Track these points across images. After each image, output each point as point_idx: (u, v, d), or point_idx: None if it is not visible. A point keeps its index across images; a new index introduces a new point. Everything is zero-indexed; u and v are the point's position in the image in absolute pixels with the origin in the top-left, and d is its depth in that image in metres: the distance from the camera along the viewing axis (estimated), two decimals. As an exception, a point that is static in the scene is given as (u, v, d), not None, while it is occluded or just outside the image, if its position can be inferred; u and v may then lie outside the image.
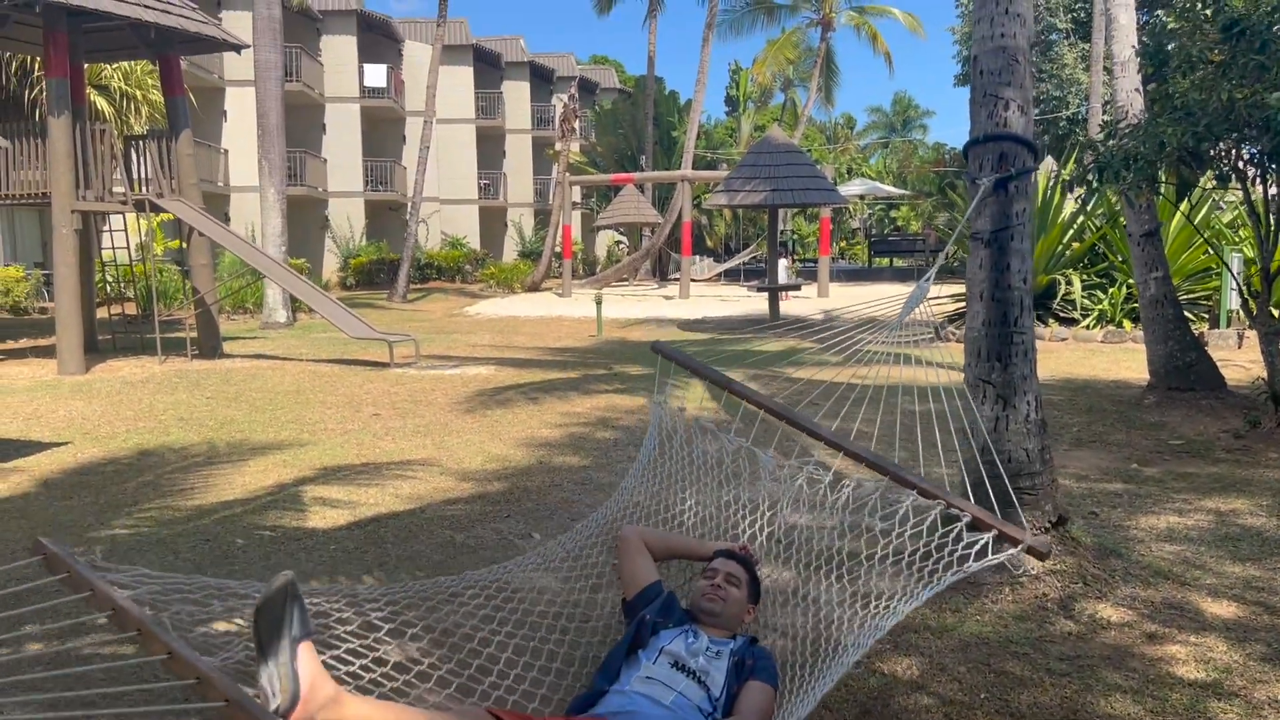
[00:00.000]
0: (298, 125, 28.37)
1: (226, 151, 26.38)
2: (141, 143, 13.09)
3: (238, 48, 13.11)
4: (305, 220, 28.99)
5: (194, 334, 13.03)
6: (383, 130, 32.02)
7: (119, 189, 12.49)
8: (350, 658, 2.32)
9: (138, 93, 21.18)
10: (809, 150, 43.97)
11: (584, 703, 2.63)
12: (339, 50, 29.89)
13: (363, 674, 2.32)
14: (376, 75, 30.25)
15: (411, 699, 2.44)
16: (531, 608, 3.00)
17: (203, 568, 4.54)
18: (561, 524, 5.17)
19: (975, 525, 2.93)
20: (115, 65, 20.11)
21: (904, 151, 49.87)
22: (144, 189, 12.87)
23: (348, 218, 29.63)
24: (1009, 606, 3.91)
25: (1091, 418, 7.88)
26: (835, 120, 54.98)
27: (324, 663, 2.10)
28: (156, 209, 12.81)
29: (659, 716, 2.51)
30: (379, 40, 31.81)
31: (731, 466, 3.38)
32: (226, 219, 25.64)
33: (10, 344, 14.31)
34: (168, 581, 2.09)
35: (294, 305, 18.38)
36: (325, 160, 29.51)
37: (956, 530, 2.89)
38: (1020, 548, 2.87)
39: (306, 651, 1.97)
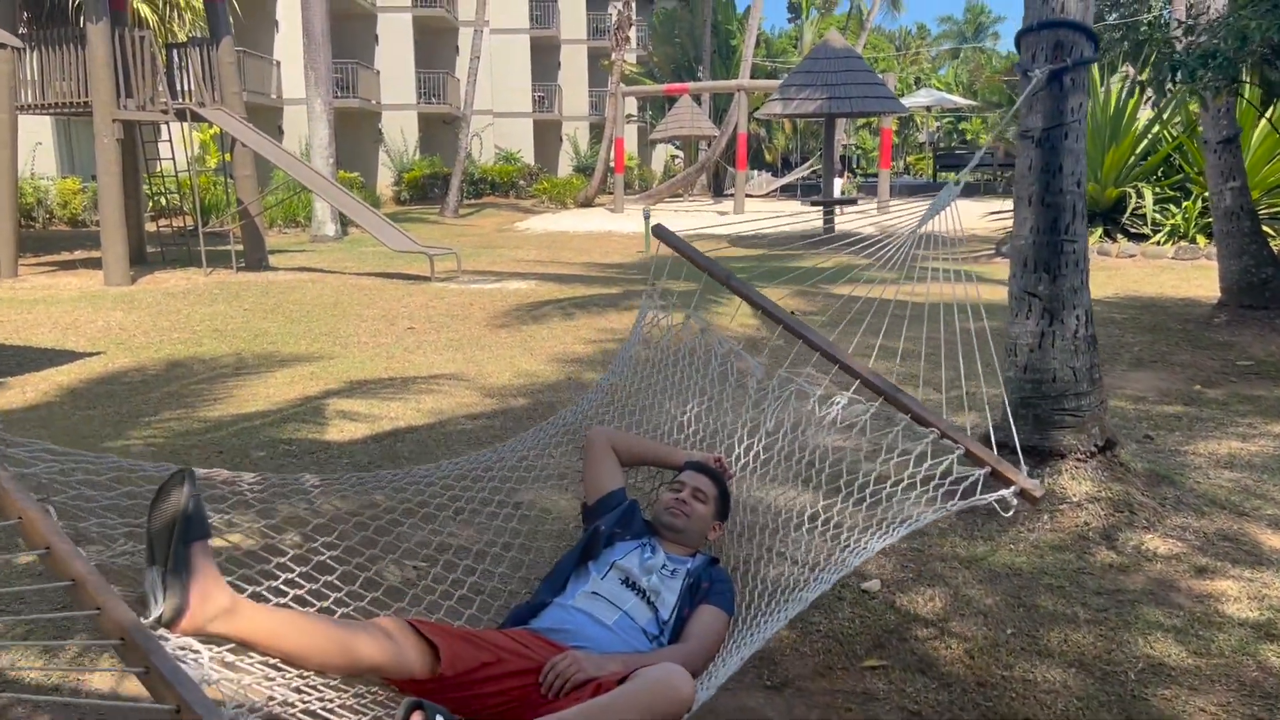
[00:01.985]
0: (349, 35, 28.02)
1: (279, 63, 26.15)
2: (183, 50, 12.92)
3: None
4: (359, 133, 28.81)
5: (239, 247, 13.01)
6: (436, 40, 31.49)
7: (162, 98, 12.37)
8: (264, 557, 2.11)
9: None
10: (876, 60, 42.47)
11: (522, 614, 2.44)
12: (390, -42, 29.28)
13: (278, 574, 2.12)
14: (428, -17, 29.62)
15: (328, 605, 2.20)
16: (480, 508, 2.79)
17: (210, 480, 4.45)
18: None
19: (969, 458, 2.66)
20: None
21: (974, 61, 47.91)
22: (188, 98, 12.74)
23: (401, 131, 29.36)
24: (1046, 535, 3.64)
25: (1155, 337, 7.44)
26: (906, 29, 53.00)
27: (226, 569, 1.90)
28: (199, 118, 12.69)
29: (598, 636, 2.32)
30: (430, -53, 31.09)
31: (719, 370, 3.13)
32: (280, 131, 25.57)
33: (65, 254, 14.47)
34: (72, 459, 1.87)
35: (343, 219, 18.31)
36: (378, 72, 29.17)
37: (948, 463, 2.62)
38: (1012, 489, 2.59)
39: (200, 554, 1.77)
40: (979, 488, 2.60)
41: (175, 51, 13.08)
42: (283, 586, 2.12)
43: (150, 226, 14.77)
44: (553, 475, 3.01)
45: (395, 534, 2.63)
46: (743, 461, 3.06)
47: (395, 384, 6.36)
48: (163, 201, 15.34)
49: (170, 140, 13.39)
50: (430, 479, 2.71)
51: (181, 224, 14.76)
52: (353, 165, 26.83)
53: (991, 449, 2.81)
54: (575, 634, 2.32)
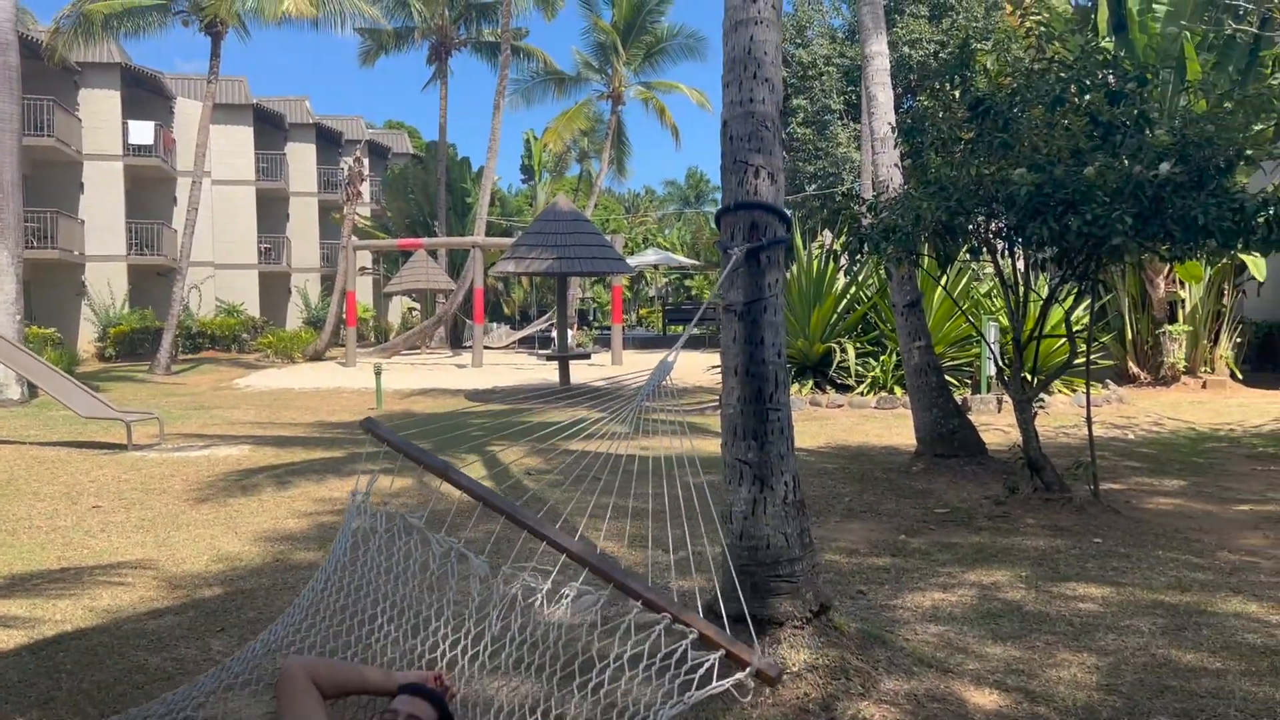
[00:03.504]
0: (50, 183, 26.07)
1: (-37, 209, 23.78)
2: None
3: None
4: (59, 285, 26.51)
5: (-105, 415, 11.32)
6: (150, 190, 29.89)
7: None
8: None
9: None
10: (607, 220, 44.62)
11: None
12: (100, 105, 27.75)
13: None
14: (143, 132, 28.26)
15: None
16: None
17: None
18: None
19: (702, 642, 2.58)
20: None
21: (696, 223, 51.42)
22: None
23: (108, 283, 27.32)
24: (769, 711, 3.58)
25: (863, 486, 7.87)
26: (634, 192, 56.23)
27: None
28: None
29: None
30: (147, 96, 29.84)
31: (438, 573, 2.89)
32: (-39, 283, 23.03)
33: None
34: None
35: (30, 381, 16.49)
36: (83, 221, 27.18)
37: (682, 649, 2.52)
38: (749, 671, 2.53)
39: None
40: (714, 674, 2.49)
41: None
42: None
43: None
44: None
45: None
46: (467, 674, 2.80)
47: (67, 576, 5.56)
48: None
49: None
50: None
51: None
52: (50, 320, 24.54)
53: (722, 618, 2.73)
54: None
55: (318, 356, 26.25)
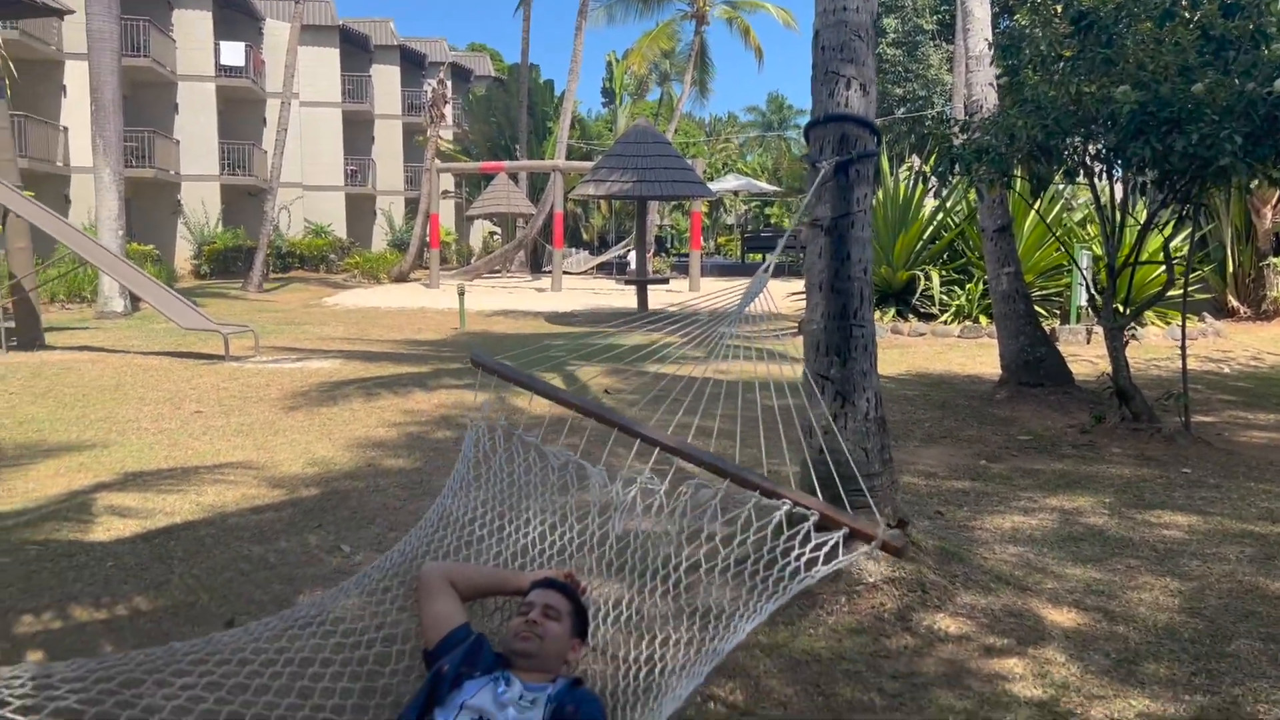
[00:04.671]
0: (147, 103, 26.75)
1: (66, 129, 24.58)
2: (-52, 113, 11.90)
3: (60, 12, 12.05)
4: (157, 204, 27.33)
5: (10, 324, 11.93)
6: (241, 112, 30.44)
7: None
8: None
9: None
10: (687, 145, 44.08)
11: None
12: (193, 26, 28.24)
13: None
14: (234, 53, 28.72)
15: None
16: (301, 670, 2.44)
17: (-60, 593, 3.91)
18: (378, 533, 4.71)
19: (824, 524, 2.63)
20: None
21: (778, 149, 50.51)
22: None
23: (202, 202, 28.05)
24: (845, 619, 3.65)
25: (944, 413, 7.82)
26: (716, 116, 55.40)
27: None
28: (-36, 186, 11.64)
29: None
30: (237, 17, 30.23)
31: (558, 483, 2.99)
32: (66, 200, 23.94)
33: None
34: None
35: (133, 294, 17.17)
36: (178, 141, 27.87)
37: (804, 531, 2.58)
38: (874, 544, 2.59)
39: None
40: (839, 550, 2.56)
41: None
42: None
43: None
44: (385, 623, 2.73)
45: (196, 712, 2.16)
46: (595, 573, 2.91)
47: (175, 474, 5.87)
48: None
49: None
50: (232, 645, 2.36)
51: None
52: (149, 237, 25.36)
53: (845, 510, 2.78)
54: None
55: (402, 278, 26.75)
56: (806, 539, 2.59)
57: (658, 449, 2.94)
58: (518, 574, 2.88)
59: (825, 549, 2.55)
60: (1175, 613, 3.76)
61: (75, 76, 23.87)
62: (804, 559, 2.57)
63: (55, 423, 7.34)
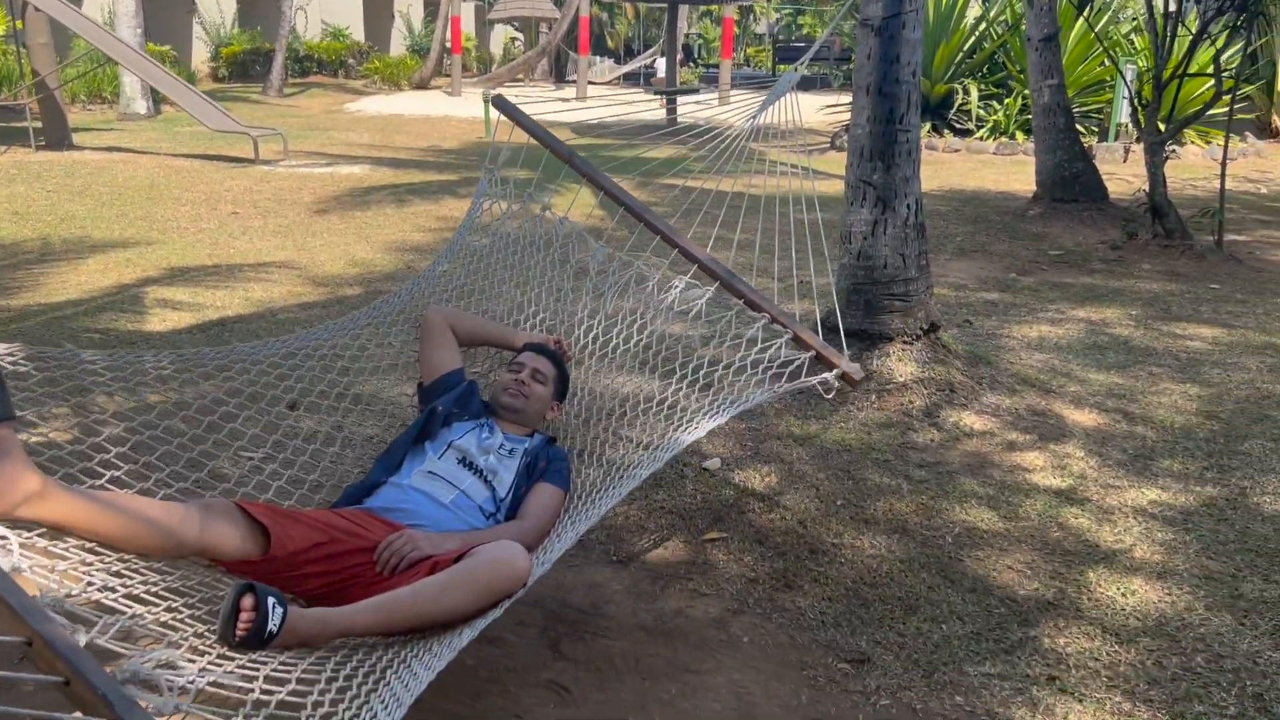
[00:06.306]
0: (153, -108, 25.49)
1: (72, -81, 23.59)
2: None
3: None
4: (170, 3, 26.49)
5: (38, 123, 11.88)
6: (252, -97, 29.01)
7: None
8: (78, 439, 2.01)
9: None
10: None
11: (356, 494, 2.43)
12: None
13: (92, 454, 2.03)
14: None
15: (148, 486, 2.14)
16: (310, 386, 2.74)
17: (17, 373, 4.13)
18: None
19: (796, 343, 2.79)
20: None
21: (814, -48, 47.93)
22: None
23: (218, 2, 27.17)
24: (874, 414, 3.83)
25: (976, 227, 7.82)
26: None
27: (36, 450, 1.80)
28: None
29: (435, 515, 2.33)
30: None
31: (560, 252, 3.12)
32: (77, -3, 23.25)
33: None
34: None
35: (156, 96, 16.94)
36: (188, -65, 26.74)
37: (776, 347, 2.73)
38: (835, 373, 2.74)
39: (3, 437, 1.67)
40: (804, 371, 2.71)
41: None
42: (97, 468, 2.02)
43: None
44: (386, 356, 2.96)
45: (219, 413, 2.52)
46: (582, 344, 3.08)
47: (220, 271, 6.03)
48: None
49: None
50: (257, 357, 2.62)
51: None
52: (164, 38, 24.70)
53: (818, 335, 2.93)
54: (412, 513, 2.31)
55: (423, 85, 26.16)
56: (776, 355, 2.73)
57: (660, 240, 3.04)
58: (514, 331, 3.08)
59: (790, 368, 2.70)
60: (1192, 415, 3.92)
61: None
62: (770, 373, 2.71)
63: (97, 220, 7.46)
